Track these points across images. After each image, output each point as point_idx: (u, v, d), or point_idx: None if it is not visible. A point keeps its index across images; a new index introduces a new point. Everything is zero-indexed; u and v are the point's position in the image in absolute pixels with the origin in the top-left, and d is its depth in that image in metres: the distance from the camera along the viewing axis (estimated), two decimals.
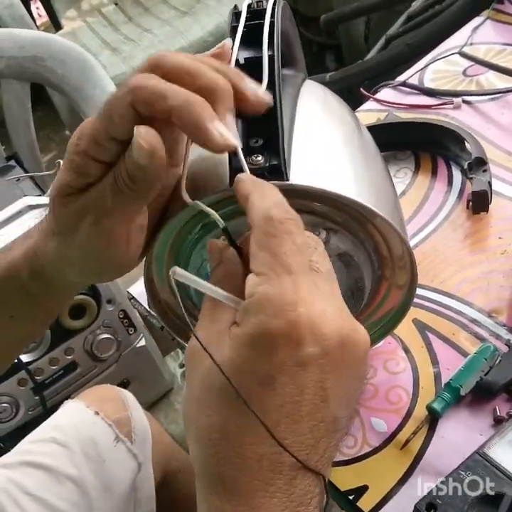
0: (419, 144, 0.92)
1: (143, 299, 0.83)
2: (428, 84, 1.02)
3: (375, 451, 0.64)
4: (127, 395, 0.99)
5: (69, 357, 1.11)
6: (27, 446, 0.90)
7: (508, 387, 0.64)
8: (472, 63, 1.02)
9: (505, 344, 0.68)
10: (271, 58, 0.49)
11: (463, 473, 0.56)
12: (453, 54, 1.04)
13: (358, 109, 1.03)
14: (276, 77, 0.46)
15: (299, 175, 0.48)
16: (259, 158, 0.46)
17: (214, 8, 2.15)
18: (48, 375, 1.11)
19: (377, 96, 1.03)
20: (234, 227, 0.47)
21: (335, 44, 2.49)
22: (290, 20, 0.59)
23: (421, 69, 1.05)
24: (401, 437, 0.64)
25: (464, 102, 0.96)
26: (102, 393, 0.98)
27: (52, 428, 0.92)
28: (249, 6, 0.52)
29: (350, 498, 0.62)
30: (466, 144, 0.85)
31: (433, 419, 0.65)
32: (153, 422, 1.01)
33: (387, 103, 1.01)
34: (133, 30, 2.16)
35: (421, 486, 0.60)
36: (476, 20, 1.10)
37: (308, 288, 0.38)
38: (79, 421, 0.92)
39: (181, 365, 1.30)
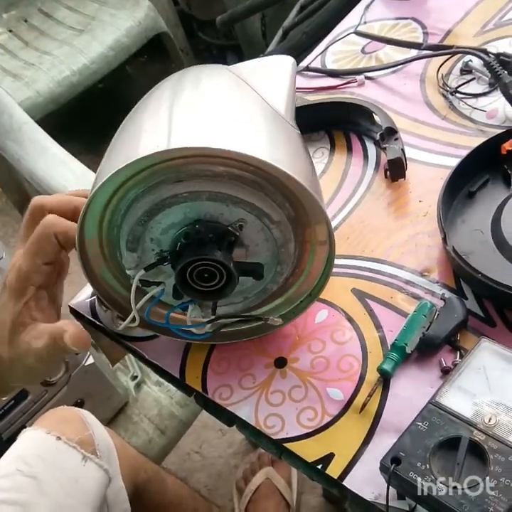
0: (331, 123, 0.94)
1: (85, 310, 0.83)
2: (330, 66, 1.05)
3: (336, 419, 0.66)
4: (85, 413, 0.98)
5: None
6: None
7: (449, 338, 0.67)
8: (369, 40, 1.06)
9: (441, 299, 0.71)
10: None
11: (420, 424, 0.59)
12: (349, 34, 1.08)
13: None
14: None
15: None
16: None
17: (110, 22, 2.15)
18: None
19: None
20: None
21: (234, 44, 2.52)
22: None
23: (321, 52, 1.08)
24: (358, 402, 0.66)
25: (367, 78, 1.00)
26: (61, 415, 0.97)
27: (16, 460, 0.88)
28: None
29: (319, 467, 0.63)
30: (375, 116, 0.88)
31: (385, 379, 0.67)
32: (116, 436, 1.01)
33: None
34: (32, 55, 2.13)
35: (384, 444, 0.62)
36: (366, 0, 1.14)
37: None
38: (42, 449, 0.90)
39: (133, 378, 1.30)
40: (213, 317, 0.66)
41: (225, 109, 0.64)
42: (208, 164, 0.58)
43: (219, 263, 0.59)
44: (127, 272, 0.65)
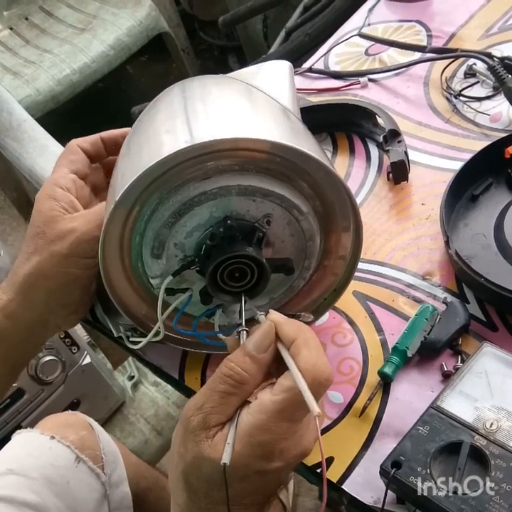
0: (333, 125, 0.94)
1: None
2: (333, 67, 1.05)
3: (335, 422, 0.66)
4: (90, 419, 0.97)
5: (14, 384, 1.09)
6: None
7: (451, 342, 0.67)
8: (372, 43, 1.05)
9: (443, 302, 0.70)
10: None
11: (421, 428, 0.59)
12: (353, 36, 1.07)
13: None
14: None
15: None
16: None
17: (111, 21, 2.14)
18: None
19: None
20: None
21: (236, 45, 2.52)
22: None
23: (324, 54, 1.08)
24: (358, 405, 0.66)
25: (370, 80, 1.00)
26: (64, 419, 0.96)
27: (6, 460, 0.88)
28: None
29: (318, 471, 0.63)
30: (378, 118, 0.88)
31: (385, 383, 0.67)
32: (119, 443, 1.00)
33: (297, 90, 1.02)
34: (32, 53, 2.13)
35: (383, 448, 0.61)
36: (370, 2, 1.14)
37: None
38: (34, 448, 0.89)
39: (130, 378, 1.29)
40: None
41: (241, 106, 0.63)
42: (233, 158, 0.57)
43: (251, 259, 0.57)
44: (151, 280, 0.62)
